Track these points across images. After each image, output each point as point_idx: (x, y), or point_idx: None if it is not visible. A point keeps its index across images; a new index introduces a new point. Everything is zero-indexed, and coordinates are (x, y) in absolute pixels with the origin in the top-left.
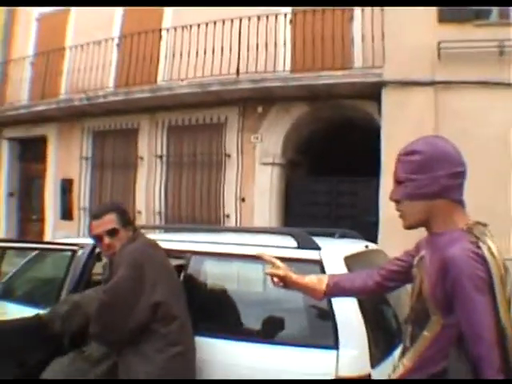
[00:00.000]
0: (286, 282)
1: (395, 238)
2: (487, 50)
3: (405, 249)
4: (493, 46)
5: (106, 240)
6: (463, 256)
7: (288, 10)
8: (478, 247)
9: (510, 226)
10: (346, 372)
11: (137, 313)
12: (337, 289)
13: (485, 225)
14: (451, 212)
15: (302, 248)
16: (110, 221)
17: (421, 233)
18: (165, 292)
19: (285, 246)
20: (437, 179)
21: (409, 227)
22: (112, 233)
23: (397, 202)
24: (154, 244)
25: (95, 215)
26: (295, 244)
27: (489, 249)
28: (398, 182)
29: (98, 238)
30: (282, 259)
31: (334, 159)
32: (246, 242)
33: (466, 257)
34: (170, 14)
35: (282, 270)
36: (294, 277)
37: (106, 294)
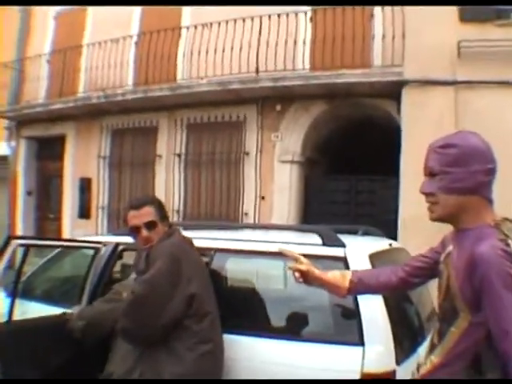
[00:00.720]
0: (307, 278)
1: (414, 236)
2: (508, 49)
3: (424, 247)
4: None
5: (144, 232)
6: (492, 253)
7: (308, 7)
8: (507, 244)
9: None
10: (371, 368)
11: (172, 307)
12: (361, 285)
13: None
14: (481, 209)
15: (327, 245)
16: (149, 213)
17: (441, 231)
18: (199, 286)
19: (310, 243)
20: (473, 174)
21: (436, 219)
22: (150, 225)
23: (429, 194)
24: (189, 241)
25: (134, 206)
26: (320, 241)
27: None
28: (432, 174)
29: (135, 230)
30: (307, 256)
31: (353, 158)
32: (270, 239)
33: (495, 254)
34: (188, 11)
35: (305, 264)
36: (317, 272)
37: (142, 286)
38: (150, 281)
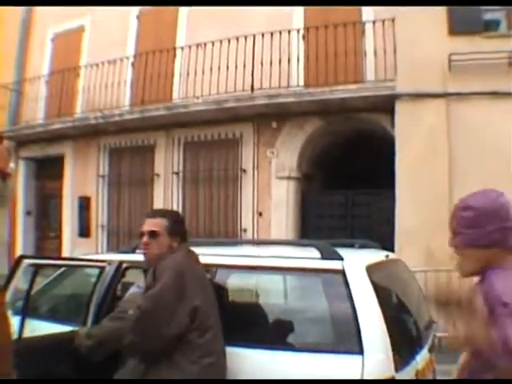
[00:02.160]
0: None
1: (410, 248)
2: (497, 61)
3: (419, 257)
4: (502, 58)
5: (145, 238)
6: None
7: (300, 25)
8: None
9: None
10: (371, 376)
11: (177, 320)
12: None
13: None
14: (504, 258)
15: (325, 258)
16: (157, 224)
17: (436, 242)
18: (203, 300)
19: (309, 257)
20: (488, 234)
21: (466, 276)
22: (152, 234)
23: (455, 248)
24: (194, 256)
25: (148, 215)
26: (318, 255)
27: None
28: (454, 233)
29: (140, 235)
30: (307, 270)
31: (349, 172)
32: (271, 254)
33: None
34: (183, 31)
35: None
36: None
37: (148, 301)
38: (156, 296)
